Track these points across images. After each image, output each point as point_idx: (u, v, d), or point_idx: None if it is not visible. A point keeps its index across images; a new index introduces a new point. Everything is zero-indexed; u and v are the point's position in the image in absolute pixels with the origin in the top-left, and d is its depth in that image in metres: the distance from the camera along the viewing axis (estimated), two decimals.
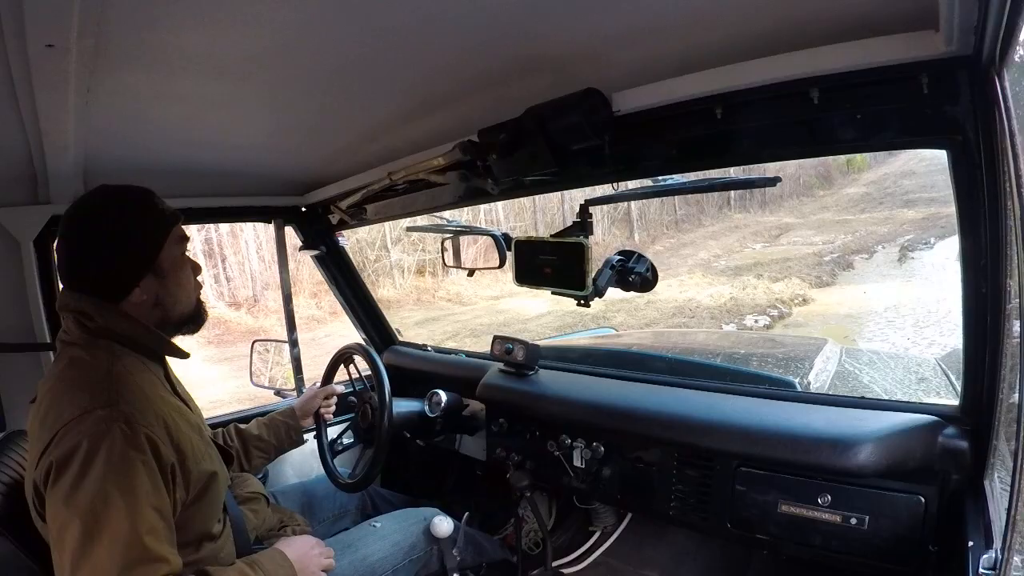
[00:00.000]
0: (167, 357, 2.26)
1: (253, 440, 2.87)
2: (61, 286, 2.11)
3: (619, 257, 2.55)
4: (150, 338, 2.12)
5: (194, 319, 2.27)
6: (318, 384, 3.18)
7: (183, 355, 2.26)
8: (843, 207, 34.09)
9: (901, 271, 21.42)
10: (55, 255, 2.06)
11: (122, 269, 2.04)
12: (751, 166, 2.31)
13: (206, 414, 2.50)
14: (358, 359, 3.32)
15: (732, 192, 32.07)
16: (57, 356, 2.07)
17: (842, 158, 36.30)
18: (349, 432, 3.41)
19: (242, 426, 2.91)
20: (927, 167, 33.84)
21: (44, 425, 1.85)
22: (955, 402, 2.12)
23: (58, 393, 1.92)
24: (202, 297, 2.32)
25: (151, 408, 1.94)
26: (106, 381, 1.92)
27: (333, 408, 3.24)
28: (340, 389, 3.19)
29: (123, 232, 2.03)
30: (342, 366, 3.37)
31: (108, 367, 1.96)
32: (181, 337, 2.28)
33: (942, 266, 20.07)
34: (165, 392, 2.15)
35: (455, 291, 23.97)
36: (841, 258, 23.97)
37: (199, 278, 2.30)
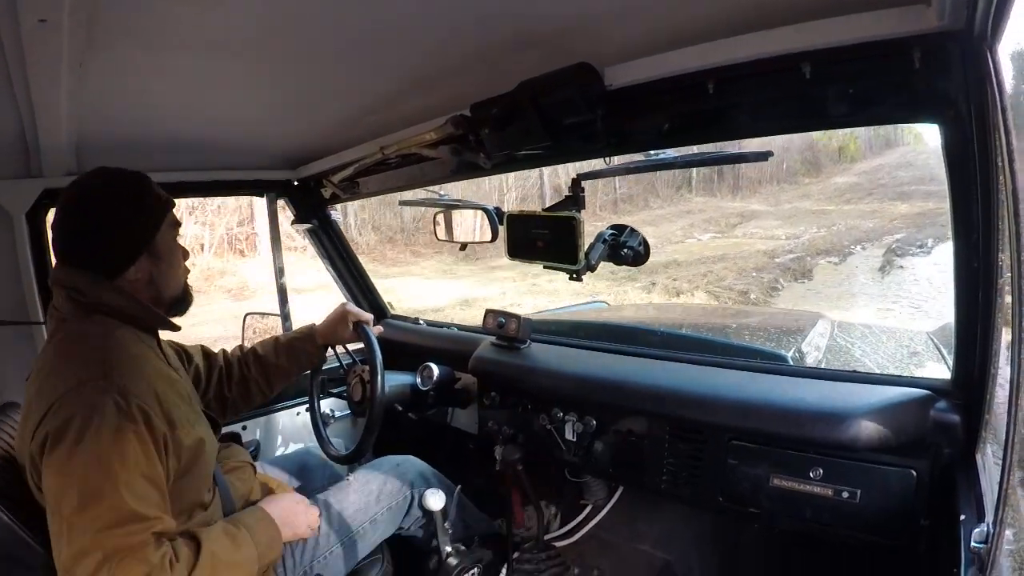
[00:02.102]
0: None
1: (273, 368, 2.88)
2: (55, 261, 2.14)
3: (611, 231, 2.55)
4: (145, 313, 2.16)
5: (182, 301, 2.33)
6: (351, 319, 3.03)
7: (175, 328, 2.32)
8: (827, 196, 30.70)
9: (881, 288, 16.06)
10: (50, 231, 2.08)
11: (119, 246, 2.09)
12: (743, 141, 2.31)
13: None
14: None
15: (694, 172, 30.31)
16: (51, 331, 2.11)
17: (834, 145, 34.51)
18: (343, 405, 3.41)
19: (260, 352, 2.91)
20: (926, 159, 31.10)
21: (40, 397, 1.89)
22: (947, 376, 2.13)
23: (53, 366, 1.96)
24: (188, 281, 2.37)
25: (144, 379, 1.98)
26: (100, 353, 1.96)
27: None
28: (370, 317, 3.12)
29: (122, 213, 2.09)
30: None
31: (102, 339, 2.01)
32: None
33: (942, 289, 13.36)
34: (159, 362, 2.20)
35: (246, 279, 19.28)
36: (799, 261, 19.15)
37: (187, 263, 2.36)
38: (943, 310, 11.69)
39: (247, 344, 3.01)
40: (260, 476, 2.68)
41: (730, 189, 32.68)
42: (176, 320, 2.33)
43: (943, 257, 16.62)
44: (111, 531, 1.74)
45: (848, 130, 34.84)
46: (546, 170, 23.75)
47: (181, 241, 2.31)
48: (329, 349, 3.10)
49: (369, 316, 3.03)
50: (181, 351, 2.63)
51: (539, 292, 17.59)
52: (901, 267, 17.56)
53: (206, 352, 2.80)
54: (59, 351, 2.01)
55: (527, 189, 26.20)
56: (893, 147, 39.19)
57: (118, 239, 2.09)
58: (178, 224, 2.29)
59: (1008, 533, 1.34)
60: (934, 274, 15.78)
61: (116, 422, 1.82)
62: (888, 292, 15.51)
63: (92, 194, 2.09)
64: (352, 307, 3.09)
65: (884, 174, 32.45)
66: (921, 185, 27.28)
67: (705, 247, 22.54)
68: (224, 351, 2.89)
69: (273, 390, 2.91)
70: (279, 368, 2.89)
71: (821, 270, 18.41)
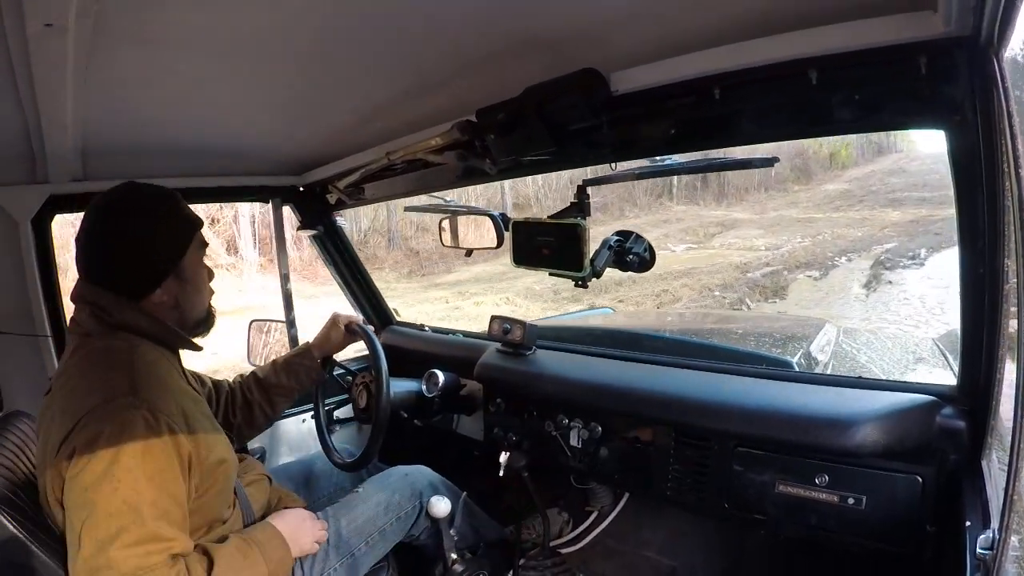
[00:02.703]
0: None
1: (274, 388, 2.88)
2: (77, 275, 2.13)
3: (617, 237, 2.55)
4: (169, 334, 2.18)
5: (206, 323, 2.35)
6: (342, 322, 3.05)
7: (198, 348, 2.32)
8: (815, 204, 29.31)
9: (864, 308, 14.12)
10: (74, 243, 2.08)
11: (147, 270, 2.11)
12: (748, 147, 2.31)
13: None
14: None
15: (675, 179, 28.36)
16: (73, 347, 2.10)
17: (825, 152, 33.84)
18: (348, 412, 3.41)
19: (260, 375, 2.91)
20: (919, 165, 30.49)
21: (66, 412, 1.90)
22: (953, 382, 2.13)
23: (77, 382, 1.98)
24: (213, 302, 2.38)
25: (171, 397, 2.00)
26: (128, 370, 1.97)
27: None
28: (361, 318, 3.14)
29: (151, 234, 2.10)
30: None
31: (129, 356, 2.02)
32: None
33: (936, 311, 12.09)
34: (181, 381, 2.22)
35: None
36: (773, 276, 17.53)
37: (211, 284, 2.36)
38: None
39: (252, 349, 3.02)
40: (273, 486, 2.68)
41: (715, 197, 31.42)
42: (198, 340, 2.33)
43: (937, 270, 15.62)
44: (129, 550, 1.76)
45: (840, 136, 34.28)
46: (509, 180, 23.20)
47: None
48: (337, 368, 3.14)
49: (359, 317, 3.03)
50: (195, 374, 2.61)
51: (459, 318, 16.37)
52: (890, 282, 16.01)
53: (213, 380, 2.81)
54: (83, 367, 2.02)
55: (490, 196, 25.62)
56: (885, 154, 38.51)
57: (145, 262, 2.10)
58: (205, 244, 2.29)
59: (1014, 540, 1.33)
60: (927, 291, 14.35)
61: (145, 439, 1.83)
62: (873, 314, 13.70)
63: (120, 213, 2.08)
64: (341, 313, 3.10)
65: (876, 180, 31.83)
66: (914, 191, 26.31)
67: (676, 260, 20.87)
68: (226, 380, 2.90)
69: (276, 410, 2.90)
70: (280, 387, 2.89)
71: (798, 286, 16.87)
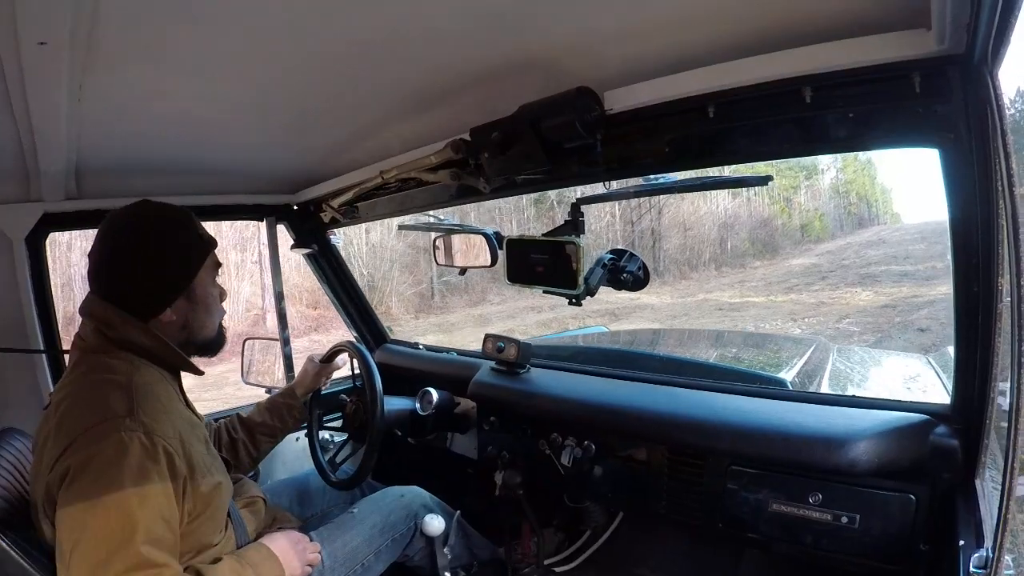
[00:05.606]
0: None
1: (257, 427, 2.89)
2: (89, 289, 2.13)
3: (611, 255, 2.55)
4: (170, 355, 2.16)
5: (215, 344, 2.35)
6: (317, 358, 3.16)
7: (199, 372, 2.30)
8: (767, 283, 23.66)
9: None
10: (87, 257, 2.09)
11: (157, 290, 2.11)
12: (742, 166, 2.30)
13: None
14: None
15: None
16: (74, 362, 2.10)
17: (796, 223, 32.35)
18: (341, 430, 3.41)
19: (244, 415, 2.92)
20: (901, 236, 27.83)
21: (61, 430, 1.88)
22: (947, 401, 2.12)
23: (75, 400, 1.95)
24: (224, 323, 2.38)
25: (168, 421, 1.98)
26: (127, 390, 1.95)
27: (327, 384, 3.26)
28: (340, 364, 3.20)
29: (163, 254, 2.10)
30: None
31: (129, 377, 1.99)
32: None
33: None
34: (180, 404, 2.20)
35: None
36: None
37: (223, 304, 2.36)
38: None
39: (246, 368, 3.03)
40: (267, 506, 2.67)
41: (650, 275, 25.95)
42: (205, 362, 2.32)
43: None
44: None
45: (814, 207, 33.54)
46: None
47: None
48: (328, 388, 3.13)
49: (335, 365, 3.09)
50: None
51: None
52: None
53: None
54: (82, 385, 2.00)
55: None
56: (866, 226, 35.82)
57: (157, 282, 2.09)
58: (218, 264, 2.30)
59: (1008, 559, 1.33)
60: None
61: (140, 462, 1.81)
62: None
63: (135, 230, 2.08)
64: (316, 360, 3.17)
65: (850, 254, 27.54)
66: (893, 264, 21.91)
67: None
68: (211, 420, 2.91)
69: (260, 450, 2.91)
70: (264, 425, 2.91)
71: None
